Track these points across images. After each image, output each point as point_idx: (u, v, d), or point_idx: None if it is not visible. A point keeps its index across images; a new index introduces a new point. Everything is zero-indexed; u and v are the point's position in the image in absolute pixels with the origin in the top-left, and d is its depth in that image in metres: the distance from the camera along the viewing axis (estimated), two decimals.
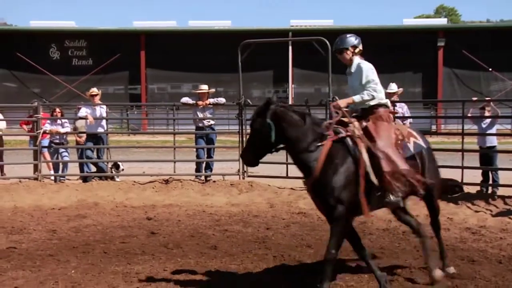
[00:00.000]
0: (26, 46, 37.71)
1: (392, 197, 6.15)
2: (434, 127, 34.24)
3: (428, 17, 76.10)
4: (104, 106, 15.26)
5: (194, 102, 14.86)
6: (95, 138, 14.87)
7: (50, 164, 15.36)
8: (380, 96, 6.64)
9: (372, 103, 6.59)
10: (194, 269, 7.50)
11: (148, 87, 39.45)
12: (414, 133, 6.76)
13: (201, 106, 14.70)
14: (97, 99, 15.08)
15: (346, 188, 5.99)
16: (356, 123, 6.37)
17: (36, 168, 14.44)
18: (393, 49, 36.43)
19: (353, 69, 6.84)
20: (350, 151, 6.13)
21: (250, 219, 10.91)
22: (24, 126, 16.65)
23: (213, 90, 15.68)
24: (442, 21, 48.94)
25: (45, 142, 15.00)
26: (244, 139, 14.29)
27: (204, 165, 14.80)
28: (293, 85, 38.68)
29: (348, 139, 6.19)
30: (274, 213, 11.41)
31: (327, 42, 13.34)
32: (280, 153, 16.66)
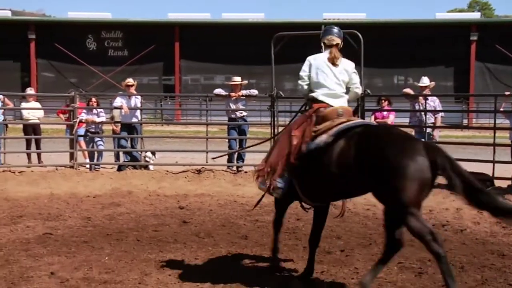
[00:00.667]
0: (64, 37, 38.09)
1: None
2: (465, 121, 33.84)
3: (461, 11, 75.08)
4: (139, 97, 15.38)
5: (227, 93, 14.88)
6: (129, 128, 14.97)
7: (86, 152, 15.51)
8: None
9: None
10: (225, 258, 7.52)
11: (182, 78, 39.59)
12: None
13: (234, 98, 14.72)
14: (132, 90, 15.19)
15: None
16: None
17: (72, 156, 14.59)
18: (425, 43, 36.08)
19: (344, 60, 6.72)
20: None
21: None
22: (61, 115, 16.82)
23: (245, 82, 15.68)
24: (475, 15, 48.30)
25: (81, 131, 15.14)
26: (275, 130, 14.26)
27: (236, 155, 14.82)
28: None
29: None
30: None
31: (360, 35, 13.24)
32: None
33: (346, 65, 6.68)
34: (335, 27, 6.85)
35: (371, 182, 5.46)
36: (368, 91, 13.68)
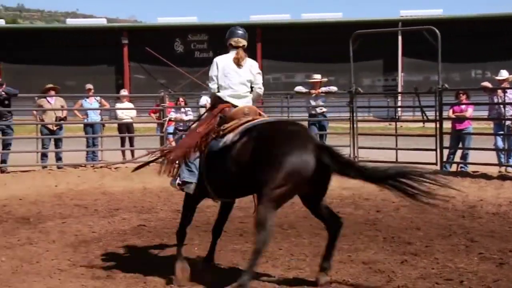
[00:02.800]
0: (153, 41, 38.93)
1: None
2: None
3: None
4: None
5: (307, 90, 14.86)
6: None
7: None
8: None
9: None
10: (307, 248, 7.52)
11: (263, 77, 39.71)
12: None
13: (314, 95, 14.68)
14: None
15: None
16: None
17: None
18: (503, 36, 34.87)
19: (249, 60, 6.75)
20: None
21: (361, 202, 10.79)
22: (152, 115, 17.22)
23: (325, 79, 15.61)
24: None
25: (171, 129, 15.45)
26: (355, 125, 14.15)
27: None
28: (402, 74, 37.84)
29: None
30: (384, 197, 11.17)
31: (437, 31, 12.96)
32: (390, 138, 16.41)
33: (251, 66, 6.69)
34: (241, 29, 6.89)
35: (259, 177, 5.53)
36: (446, 85, 13.38)
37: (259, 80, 6.73)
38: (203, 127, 6.23)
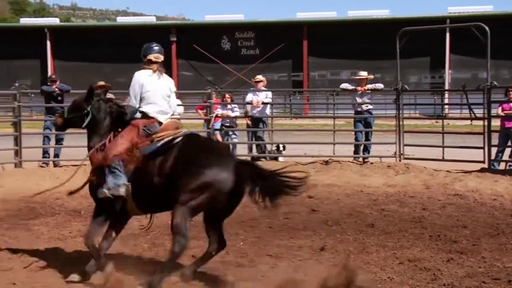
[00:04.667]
0: (201, 38, 39.21)
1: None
2: None
3: None
4: (269, 92, 15.63)
5: (353, 88, 14.75)
6: (260, 122, 15.26)
7: None
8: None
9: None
10: (352, 245, 7.46)
11: (309, 74, 39.66)
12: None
13: (360, 92, 14.55)
14: (261, 85, 15.47)
15: None
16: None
17: None
18: None
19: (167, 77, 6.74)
20: None
21: (406, 199, 10.65)
22: (199, 111, 17.32)
23: (371, 76, 15.47)
24: None
25: (217, 125, 15.52)
26: (401, 123, 13.98)
27: (362, 147, 14.67)
28: (449, 71, 37.20)
29: None
30: (430, 194, 11.05)
31: (486, 28, 12.70)
32: (436, 136, 16.18)
33: (169, 82, 6.71)
34: (157, 45, 6.70)
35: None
36: (495, 82, 13.10)
37: (173, 98, 6.75)
38: (126, 137, 6.20)
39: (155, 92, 6.45)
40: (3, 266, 6.57)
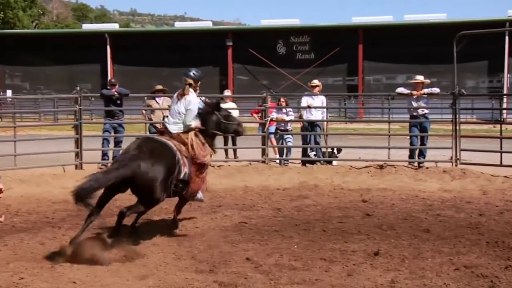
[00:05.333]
0: (256, 43, 39.39)
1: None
2: None
3: None
4: (324, 98, 15.59)
5: (409, 92, 14.55)
6: (314, 126, 15.22)
7: (276, 148, 15.89)
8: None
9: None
10: (407, 249, 7.35)
11: (364, 78, 39.35)
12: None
13: (416, 96, 14.35)
14: (316, 90, 15.44)
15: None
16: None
17: (263, 152, 15.03)
18: None
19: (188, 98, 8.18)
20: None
21: (462, 205, 10.43)
22: (255, 115, 17.39)
23: (428, 80, 15.22)
24: None
25: (272, 129, 15.54)
26: (457, 127, 13.73)
27: (417, 152, 14.46)
28: (508, 75, 36.29)
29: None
30: (487, 200, 10.80)
31: None
32: (494, 141, 15.80)
33: (187, 101, 8.15)
34: (192, 70, 8.28)
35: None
36: None
37: (187, 114, 8.13)
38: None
39: (172, 107, 8.51)
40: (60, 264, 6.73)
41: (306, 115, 15.31)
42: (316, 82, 15.72)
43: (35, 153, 14.81)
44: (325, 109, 15.72)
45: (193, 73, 8.23)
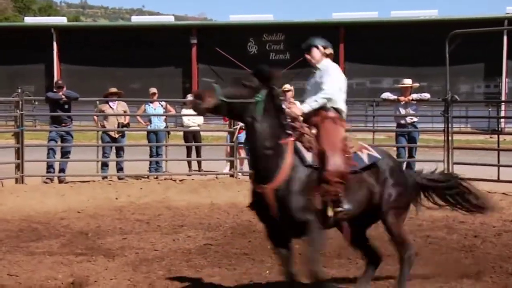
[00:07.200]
0: (225, 41, 39.39)
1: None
2: None
3: None
4: (297, 102, 15.64)
5: (396, 97, 14.70)
6: None
7: (246, 160, 15.90)
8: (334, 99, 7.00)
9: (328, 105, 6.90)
10: (393, 275, 7.40)
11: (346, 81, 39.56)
12: (368, 147, 6.83)
13: (404, 102, 14.50)
14: (289, 96, 15.43)
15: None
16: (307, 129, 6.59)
17: (232, 165, 15.03)
18: None
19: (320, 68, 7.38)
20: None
21: (455, 225, 10.55)
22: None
23: (417, 84, 15.40)
24: None
25: (242, 138, 15.56)
26: (450, 138, 13.90)
27: (405, 165, 14.59)
28: (507, 79, 36.83)
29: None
30: (483, 220, 10.90)
31: None
32: (490, 154, 16.04)
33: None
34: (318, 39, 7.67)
35: None
36: None
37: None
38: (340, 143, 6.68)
39: None
40: None
41: None
42: (288, 86, 15.63)
43: None
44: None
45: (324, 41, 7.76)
